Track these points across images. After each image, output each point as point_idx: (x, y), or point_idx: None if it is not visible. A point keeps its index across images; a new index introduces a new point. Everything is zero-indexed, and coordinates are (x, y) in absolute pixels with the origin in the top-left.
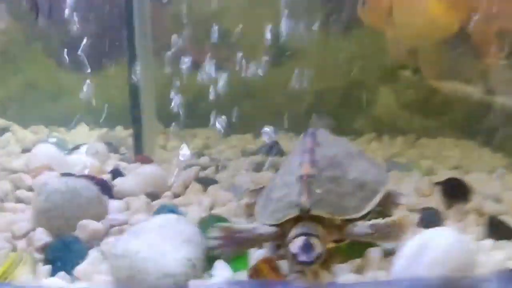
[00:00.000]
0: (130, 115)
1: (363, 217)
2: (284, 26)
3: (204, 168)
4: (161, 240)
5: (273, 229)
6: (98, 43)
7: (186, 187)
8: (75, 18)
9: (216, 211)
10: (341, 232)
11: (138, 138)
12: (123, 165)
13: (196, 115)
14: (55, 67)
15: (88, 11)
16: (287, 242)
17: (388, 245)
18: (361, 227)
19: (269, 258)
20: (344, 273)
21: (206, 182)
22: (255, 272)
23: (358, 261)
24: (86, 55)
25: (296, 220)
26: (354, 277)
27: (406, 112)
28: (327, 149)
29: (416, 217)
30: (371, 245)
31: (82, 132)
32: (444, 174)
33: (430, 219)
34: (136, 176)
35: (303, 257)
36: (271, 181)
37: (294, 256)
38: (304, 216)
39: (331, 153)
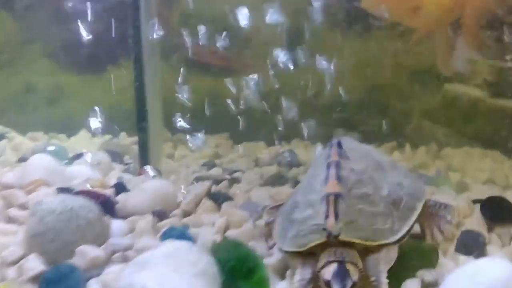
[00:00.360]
0: (136, 121)
1: (399, 240)
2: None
3: (217, 182)
4: (171, 272)
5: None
6: (101, 44)
7: (197, 204)
8: (76, 17)
9: (231, 233)
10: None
11: (144, 147)
12: (127, 177)
13: (205, 121)
14: (55, 69)
15: (90, 9)
16: (317, 269)
17: (428, 276)
18: (375, 271)
19: None
20: None
21: (219, 198)
22: None
23: None
24: (88, 57)
25: (323, 246)
26: None
27: (428, 119)
28: (355, 162)
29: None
30: (408, 274)
31: (83, 139)
32: (479, 190)
33: (471, 243)
34: (142, 192)
35: (337, 285)
36: (291, 198)
37: (327, 284)
38: (332, 242)
39: (360, 167)
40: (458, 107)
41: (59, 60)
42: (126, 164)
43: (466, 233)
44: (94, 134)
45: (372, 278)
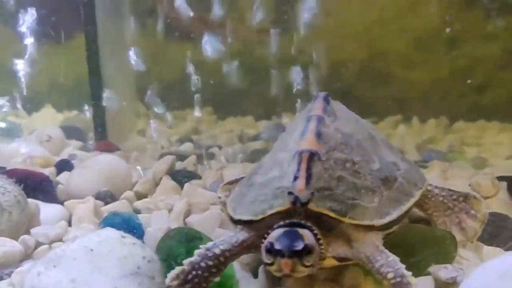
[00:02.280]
0: (90, 95)
1: (386, 227)
2: None
3: (182, 157)
4: (91, 272)
5: (237, 238)
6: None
7: (156, 184)
8: None
9: (193, 218)
10: (349, 245)
11: (99, 121)
12: (81, 155)
13: (186, 95)
14: (12, 38)
15: None
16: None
17: (444, 272)
18: (378, 254)
19: None
20: None
21: (183, 177)
22: None
23: None
24: (47, 24)
25: (285, 217)
26: None
27: (438, 90)
28: (342, 123)
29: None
30: (419, 270)
31: (46, 116)
32: (501, 166)
33: (497, 230)
34: (87, 170)
35: (280, 245)
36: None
37: (269, 250)
38: (298, 211)
39: (349, 130)
40: (471, 76)
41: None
42: (86, 142)
43: (491, 217)
44: (59, 110)
45: (390, 275)
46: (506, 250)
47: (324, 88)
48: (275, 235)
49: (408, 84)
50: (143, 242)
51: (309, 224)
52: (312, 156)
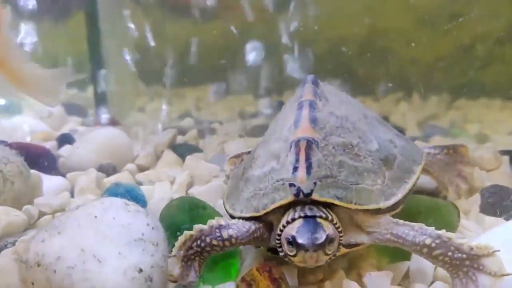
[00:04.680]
0: (91, 72)
1: (393, 208)
2: None
3: (183, 132)
4: (96, 239)
5: (249, 226)
6: None
7: (158, 157)
8: None
9: (195, 190)
10: (362, 231)
11: (100, 97)
12: (81, 130)
13: (186, 72)
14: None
15: None
16: (277, 233)
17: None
18: (403, 228)
19: (268, 264)
20: (381, 285)
21: (184, 150)
22: (247, 285)
23: (403, 266)
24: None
25: (287, 209)
26: None
27: (439, 67)
28: (335, 105)
29: (477, 199)
30: None
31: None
32: (503, 141)
33: (499, 201)
34: (89, 143)
35: (303, 239)
36: (252, 151)
37: (292, 242)
38: (301, 202)
39: (342, 112)
40: (473, 53)
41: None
42: (87, 117)
43: (493, 189)
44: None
45: (428, 240)
46: (507, 219)
47: (325, 66)
48: (295, 227)
49: (409, 61)
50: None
51: (325, 211)
52: (310, 144)
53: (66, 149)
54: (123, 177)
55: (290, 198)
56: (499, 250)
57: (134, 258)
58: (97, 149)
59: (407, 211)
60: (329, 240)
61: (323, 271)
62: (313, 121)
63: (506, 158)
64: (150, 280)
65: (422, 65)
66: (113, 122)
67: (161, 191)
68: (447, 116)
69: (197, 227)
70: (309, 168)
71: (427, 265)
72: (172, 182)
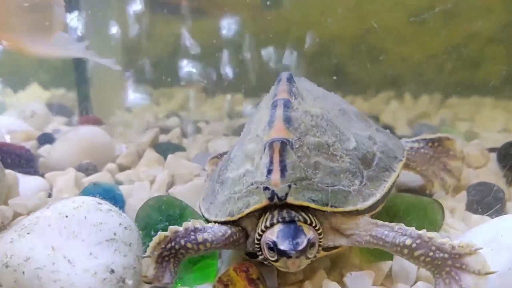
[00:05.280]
0: (75, 72)
1: (371, 208)
2: None
3: (167, 131)
4: (67, 239)
5: (225, 231)
6: None
7: (140, 156)
8: None
9: (176, 189)
10: (341, 234)
11: (83, 98)
12: (65, 130)
13: (174, 73)
14: None
15: None
16: (255, 237)
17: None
18: (382, 229)
19: (246, 264)
20: (363, 285)
21: (167, 149)
22: (224, 286)
23: (385, 266)
24: None
25: (263, 213)
26: None
27: (431, 65)
28: (311, 103)
29: (463, 196)
30: None
31: (32, 94)
32: (493, 139)
33: (485, 199)
34: (69, 142)
35: (285, 245)
36: (228, 152)
37: (272, 248)
38: (276, 205)
39: (318, 110)
40: (465, 52)
41: None
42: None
43: (480, 186)
44: (47, 88)
45: (408, 241)
46: (493, 217)
47: (315, 65)
48: (275, 232)
49: (400, 60)
50: (123, 212)
51: (303, 214)
52: (284, 145)
53: (46, 149)
54: (102, 177)
55: (264, 202)
56: (481, 248)
57: (106, 259)
58: (77, 148)
59: (389, 209)
60: (310, 244)
61: (304, 271)
62: (287, 121)
63: (493, 155)
64: (123, 281)
65: (413, 64)
66: (96, 121)
67: (141, 190)
68: (438, 114)
69: (172, 228)
70: (283, 170)
71: (410, 265)
72: (152, 182)
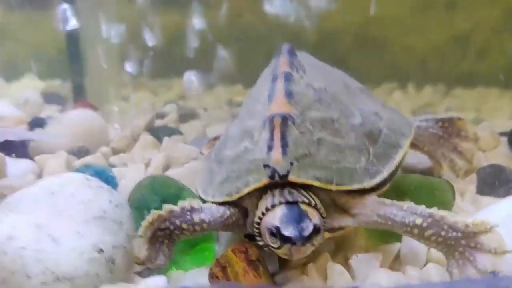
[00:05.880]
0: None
1: (379, 187)
2: None
3: (162, 116)
4: (52, 216)
5: (223, 211)
6: None
7: (135, 140)
8: None
9: (173, 172)
10: (347, 213)
11: (77, 87)
12: (57, 116)
13: (173, 63)
14: None
15: None
16: (255, 220)
17: None
18: (390, 208)
19: (245, 245)
20: (369, 267)
21: (163, 133)
22: (222, 269)
23: (393, 248)
24: None
25: (264, 193)
26: (384, 275)
27: (435, 56)
28: (313, 77)
29: (473, 179)
30: None
31: (27, 84)
32: (502, 125)
33: (496, 181)
34: (62, 125)
35: (289, 231)
36: (227, 129)
37: (275, 233)
38: (278, 184)
39: (321, 84)
40: (470, 42)
41: None
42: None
43: (490, 169)
44: (41, 78)
45: (418, 220)
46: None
47: (317, 56)
48: (278, 216)
49: (404, 50)
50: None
51: (307, 196)
52: (285, 120)
53: (37, 133)
54: (95, 160)
55: (264, 180)
56: (497, 226)
57: (94, 238)
58: (69, 131)
59: (396, 190)
60: (316, 230)
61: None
62: (289, 95)
63: (504, 139)
64: (112, 261)
65: (417, 54)
66: (91, 107)
67: (135, 172)
68: (443, 104)
69: (167, 207)
70: (284, 147)
71: (419, 247)
72: (147, 165)
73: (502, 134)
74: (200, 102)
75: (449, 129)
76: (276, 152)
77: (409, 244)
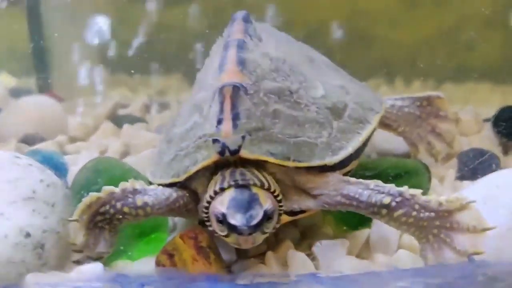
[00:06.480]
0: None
1: (343, 165)
2: None
3: (125, 106)
4: None
5: (169, 194)
6: None
7: (96, 129)
8: None
9: (130, 159)
10: (307, 194)
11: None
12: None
13: (152, 59)
14: None
15: None
16: (203, 205)
17: None
18: (355, 187)
19: (194, 230)
20: (334, 255)
21: (126, 122)
22: (168, 256)
23: (362, 234)
24: None
25: (214, 172)
26: (350, 262)
27: (424, 50)
28: (271, 46)
29: (454, 164)
30: None
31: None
32: (487, 112)
33: (478, 166)
34: (15, 112)
35: (236, 219)
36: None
37: (221, 220)
38: (229, 162)
39: (279, 54)
40: (460, 35)
41: None
42: None
43: (472, 152)
44: (16, 76)
45: (386, 200)
46: None
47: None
48: (225, 201)
49: (392, 44)
50: (66, 181)
51: (260, 176)
52: (237, 90)
53: None
54: (48, 147)
55: (214, 157)
56: (474, 201)
57: (20, 220)
58: (23, 119)
59: (372, 173)
60: (267, 217)
61: (268, 242)
62: (241, 63)
63: (488, 124)
64: (41, 247)
65: (405, 49)
66: (55, 97)
67: (87, 159)
68: None
69: (107, 189)
70: (235, 119)
71: (390, 233)
72: (103, 152)
73: (486, 120)
74: (178, 97)
75: (427, 108)
76: (226, 125)
77: (380, 230)
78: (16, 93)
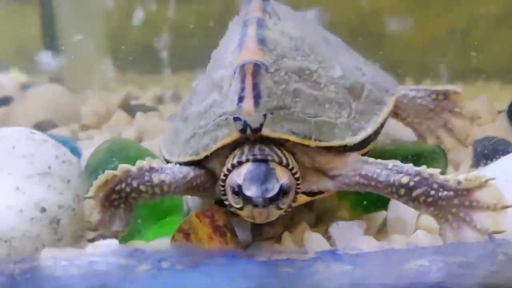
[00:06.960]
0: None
1: (363, 145)
2: None
3: (135, 97)
4: None
5: (187, 172)
6: None
7: (109, 117)
8: None
9: (143, 144)
10: (326, 175)
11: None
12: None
13: (162, 58)
14: None
15: None
16: (221, 178)
17: None
18: (373, 167)
19: (211, 209)
20: (351, 236)
21: (137, 110)
22: (184, 235)
23: (379, 216)
24: None
25: (233, 151)
26: (368, 242)
27: (434, 51)
28: (289, 25)
29: (469, 152)
30: None
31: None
32: (500, 107)
33: (494, 153)
34: (29, 100)
35: (252, 190)
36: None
37: (237, 192)
38: (249, 141)
39: (298, 32)
40: (470, 36)
41: None
42: None
43: (487, 141)
44: (28, 73)
45: (404, 179)
46: None
47: None
48: (242, 174)
49: (402, 44)
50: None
51: (279, 152)
52: (258, 68)
53: (1, 111)
54: (61, 133)
55: (235, 135)
56: (494, 178)
57: (36, 195)
58: (36, 106)
59: (387, 158)
60: (283, 191)
61: (284, 224)
62: (262, 41)
63: (503, 114)
64: (56, 222)
65: (415, 49)
66: None
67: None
68: None
69: (123, 167)
70: (257, 97)
71: (408, 214)
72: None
73: (500, 112)
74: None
75: (443, 102)
76: (248, 103)
77: (397, 211)
78: (27, 87)
